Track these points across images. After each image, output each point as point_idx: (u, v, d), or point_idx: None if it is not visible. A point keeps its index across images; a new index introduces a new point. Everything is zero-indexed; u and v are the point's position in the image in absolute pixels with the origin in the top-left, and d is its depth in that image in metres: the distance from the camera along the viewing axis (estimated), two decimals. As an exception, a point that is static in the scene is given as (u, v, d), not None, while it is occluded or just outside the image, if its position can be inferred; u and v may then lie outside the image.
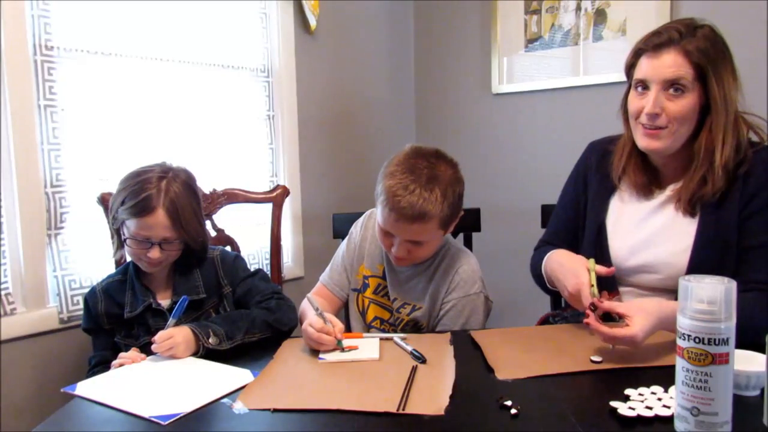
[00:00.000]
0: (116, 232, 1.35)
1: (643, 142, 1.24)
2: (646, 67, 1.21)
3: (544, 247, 1.47)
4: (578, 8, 2.29)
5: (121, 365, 1.17)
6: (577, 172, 1.46)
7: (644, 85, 1.21)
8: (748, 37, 1.91)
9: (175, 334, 1.17)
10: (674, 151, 1.23)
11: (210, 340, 1.17)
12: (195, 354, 1.18)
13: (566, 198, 1.48)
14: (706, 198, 1.20)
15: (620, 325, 1.07)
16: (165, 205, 1.27)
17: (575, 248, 1.38)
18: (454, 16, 2.67)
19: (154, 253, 1.28)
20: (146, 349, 1.20)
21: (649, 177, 1.30)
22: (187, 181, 1.35)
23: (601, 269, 1.20)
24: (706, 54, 1.16)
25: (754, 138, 1.24)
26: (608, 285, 1.30)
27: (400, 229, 1.29)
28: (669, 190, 1.28)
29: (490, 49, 2.54)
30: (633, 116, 1.24)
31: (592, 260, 1.21)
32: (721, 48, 1.20)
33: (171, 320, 1.24)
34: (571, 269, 1.23)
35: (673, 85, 1.17)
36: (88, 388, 1.05)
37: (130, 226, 1.29)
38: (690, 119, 1.19)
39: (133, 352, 1.19)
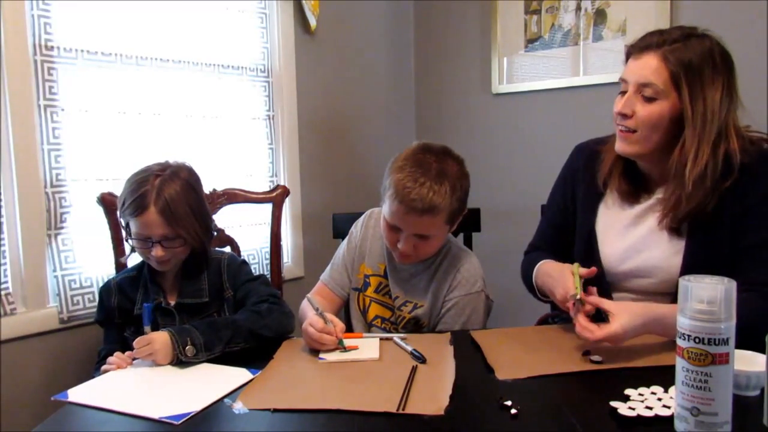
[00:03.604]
0: (127, 233, 1.36)
1: (617, 145, 1.24)
2: (627, 67, 1.21)
3: (533, 252, 1.46)
4: (578, 8, 2.29)
5: (107, 371, 1.15)
6: (564, 176, 1.46)
7: (624, 85, 1.21)
8: (748, 37, 1.92)
9: (154, 340, 1.14)
10: (650, 156, 1.22)
11: (187, 350, 1.14)
12: (171, 362, 1.15)
13: (554, 202, 1.47)
14: (688, 216, 1.18)
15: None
16: (156, 203, 1.27)
17: (564, 252, 1.37)
18: (454, 16, 2.67)
19: (157, 252, 1.28)
20: None
21: (636, 183, 1.29)
22: (186, 179, 1.35)
23: (583, 270, 1.19)
24: (688, 64, 1.13)
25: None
26: (601, 291, 1.30)
27: (408, 222, 1.29)
28: (657, 195, 1.27)
29: (490, 49, 2.54)
30: (614, 118, 1.24)
31: (576, 265, 1.21)
32: (716, 62, 1.15)
33: (145, 328, 1.23)
34: (559, 279, 1.23)
35: (645, 89, 1.16)
36: (80, 394, 1.03)
37: (132, 226, 1.30)
38: (661, 126, 1.17)
39: (118, 358, 1.18)
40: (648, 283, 1.26)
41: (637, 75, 1.17)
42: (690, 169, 1.15)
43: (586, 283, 1.18)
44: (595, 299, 1.12)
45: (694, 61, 1.14)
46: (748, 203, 1.17)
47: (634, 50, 1.20)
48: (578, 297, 1.12)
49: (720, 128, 1.15)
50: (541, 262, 1.36)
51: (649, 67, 1.16)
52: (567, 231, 1.42)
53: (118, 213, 1.36)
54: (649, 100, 1.16)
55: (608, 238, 1.32)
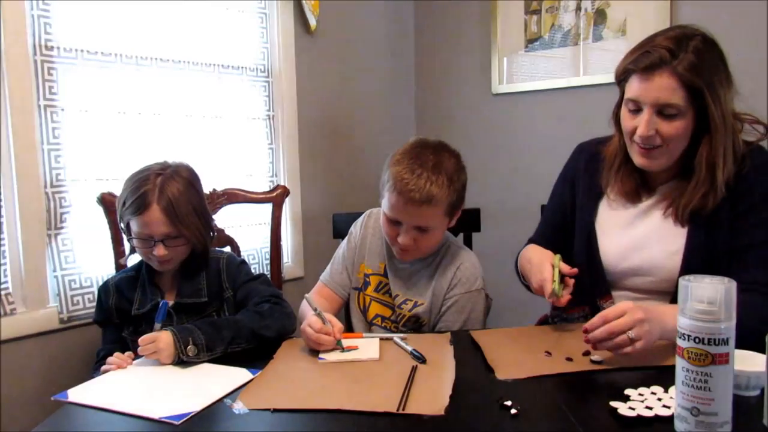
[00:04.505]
0: (127, 233, 1.36)
1: (639, 160, 1.23)
2: (637, 89, 1.17)
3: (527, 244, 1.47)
4: (578, 8, 2.29)
5: (107, 371, 1.15)
6: (565, 175, 1.46)
7: (636, 105, 1.18)
8: (748, 37, 1.92)
9: (159, 339, 1.14)
10: (675, 160, 1.22)
11: (188, 349, 1.13)
12: (173, 362, 1.15)
13: (555, 200, 1.48)
14: (703, 212, 1.20)
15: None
16: (160, 201, 1.27)
17: (562, 250, 1.35)
18: (454, 16, 2.67)
19: (159, 251, 1.28)
20: None
21: (638, 182, 1.30)
22: (187, 178, 1.35)
23: (565, 268, 1.19)
24: (700, 72, 1.12)
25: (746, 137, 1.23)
26: (601, 289, 1.30)
27: (407, 213, 1.30)
28: (658, 194, 1.27)
29: (490, 49, 2.54)
30: (627, 135, 1.23)
31: (557, 256, 1.22)
32: (714, 59, 1.15)
33: (156, 324, 1.23)
34: (537, 265, 1.24)
35: (667, 108, 1.14)
36: (81, 394, 1.03)
37: (133, 226, 1.30)
38: (686, 137, 1.18)
39: (118, 358, 1.17)
40: (648, 281, 1.26)
41: (655, 96, 1.14)
42: (721, 171, 1.16)
43: (590, 286, 1.19)
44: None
45: (704, 67, 1.12)
46: (747, 203, 1.18)
47: (638, 70, 1.16)
48: (557, 292, 1.15)
49: (732, 121, 1.17)
50: (527, 247, 1.37)
51: (667, 87, 1.13)
52: (566, 230, 1.42)
53: (117, 214, 1.35)
54: (671, 116, 1.15)
55: (608, 236, 1.32)
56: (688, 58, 1.12)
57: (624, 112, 1.22)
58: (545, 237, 1.47)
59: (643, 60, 1.15)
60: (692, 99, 1.13)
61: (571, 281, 1.20)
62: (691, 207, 1.20)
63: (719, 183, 1.17)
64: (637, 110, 1.18)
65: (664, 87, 1.13)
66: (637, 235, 1.28)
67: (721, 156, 1.16)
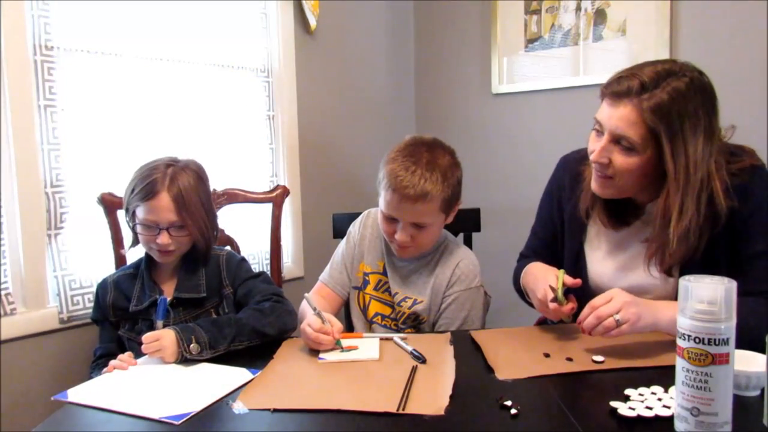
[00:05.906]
0: (131, 227, 1.37)
1: (593, 185, 1.21)
2: (602, 112, 1.14)
3: (524, 260, 1.45)
4: (578, 8, 2.29)
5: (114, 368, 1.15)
6: (551, 192, 1.43)
7: (600, 126, 1.15)
8: (748, 37, 1.91)
9: (162, 337, 1.14)
10: (630, 194, 1.20)
11: (191, 347, 1.14)
12: (177, 360, 1.15)
13: (543, 215, 1.46)
14: (675, 264, 1.16)
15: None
16: (169, 188, 1.29)
17: (554, 263, 1.33)
18: (454, 16, 2.67)
19: (163, 239, 1.29)
20: None
21: (621, 209, 1.24)
22: (197, 171, 1.38)
23: (568, 279, 1.18)
24: (665, 115, 1.05)
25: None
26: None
27: (403, 210, 1.31)
28: (647, 212, 1.23)
29: (490, 49, 2.54)
30: (589, 155, 1.19)
31: (562, 271, 1.20)
32: (695, 106, 1.07)
33: (158, 322, 1.23)
34: (542, 278, 1.23)
35: (622, 139, 1.10)
36: (80, 394, 1.03)
37: (139, 213, 1.31)
38: (639, 175, 1.13)
39: (121, 361, 1.17)
40: (647, 298, 1.24)
41: (613, 125, 1.11)
42: (675, 225, 1.10)
43: (568, 292, 1.19)
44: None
45: (674, 111, 1.06)
46: (744, 216, 1.13)
47: (608, 94, 1.13)
48: (560, 299, 1.16)
49: (703, 175, 1.09)
50: (530, 265, 1.36)
51: (626, 119, 1.09)
52: (555, 245, 1.41)
53: (124, 202, 1.36)
54: (627, 150, 1.11)
55: (598, 258, 1.31)
56: (660, 96, 1.06)
57: (591, 134, 1.19)
58: (536, 251, 1.46)
59: (614, 86, 1.12)
60: (653, 139, 1.09)
61: (573, 297, 1.18)
62: (654, 256, 1.17)
63: (671, 237, 1.11)
64: (600, 132, 1.16)
65: (624, 117, 1.09)
66: (628, 256, 1.26)
67: (677, 210, 1.10)
